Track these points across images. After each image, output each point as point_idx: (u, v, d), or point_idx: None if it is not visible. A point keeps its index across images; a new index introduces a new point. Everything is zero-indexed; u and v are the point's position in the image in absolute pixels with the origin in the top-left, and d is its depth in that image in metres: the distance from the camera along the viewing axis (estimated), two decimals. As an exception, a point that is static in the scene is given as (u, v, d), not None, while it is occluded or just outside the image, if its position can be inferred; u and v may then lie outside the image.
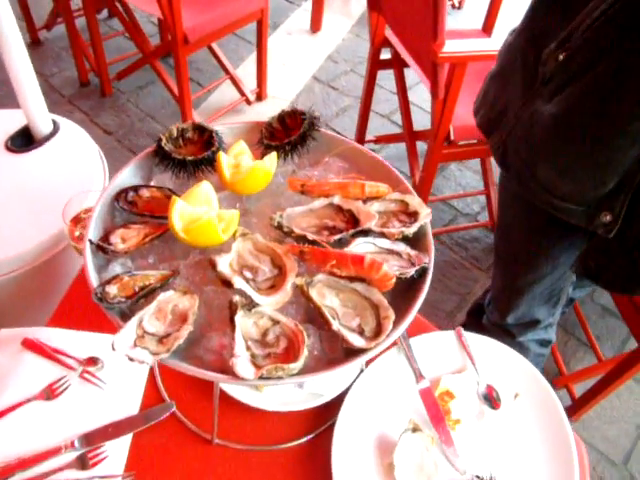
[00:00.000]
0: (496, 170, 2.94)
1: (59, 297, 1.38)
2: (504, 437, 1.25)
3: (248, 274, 0.98)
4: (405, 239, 1.07)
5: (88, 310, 1.36)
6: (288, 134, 1.18)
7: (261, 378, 0.86)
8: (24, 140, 1.83)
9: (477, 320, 2.09)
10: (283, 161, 1.17)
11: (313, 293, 0.96)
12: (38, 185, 1.71)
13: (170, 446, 1.19)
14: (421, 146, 2.83)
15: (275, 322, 0.94)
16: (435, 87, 2.24)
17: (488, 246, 2.87)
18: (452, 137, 2.37)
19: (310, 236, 1.03)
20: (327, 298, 0.97)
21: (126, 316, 0.93)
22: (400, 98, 2.78)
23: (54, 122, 1.89)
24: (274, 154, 1.12)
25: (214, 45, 3.19)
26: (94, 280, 0.96)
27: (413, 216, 1.10)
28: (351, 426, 1.21)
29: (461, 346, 1.37)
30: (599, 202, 1.24)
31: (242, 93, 3.23)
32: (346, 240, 1.05)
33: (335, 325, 0.93)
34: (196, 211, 0.99)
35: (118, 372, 1.26)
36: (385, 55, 2.82)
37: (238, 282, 0.94)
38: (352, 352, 0.93)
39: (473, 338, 1.38)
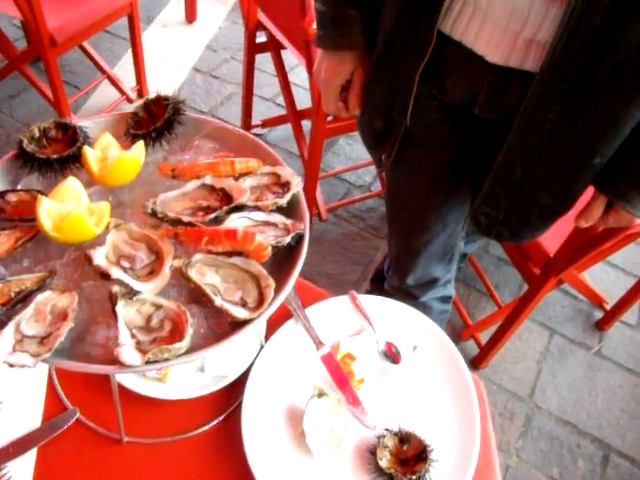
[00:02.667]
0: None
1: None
2: (408, 389, 1.31)
3: (126, 264, 0.98)
4: (280, 210, 1.10)
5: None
6: (155, 122, 1.19)
7: (148, 363, 0.87)
8: None
9: (379, 286, 2.15)
10: (152, 149, 1.17)
11: (192, 273, 0.98)
12: None
13: (79, 453, 1.17)
14: (307, 125, 2.87)
15: (158, 307, 0.96)
16: (310, 64, 2.28)
17: (384, 214, 2.96)
18: (334, 112, 2.41)
19: (185, 218, 1.04)
20: (207, 276, 0.99)
21: (3, 324, 0.92)
22: (281, 80, 2.80)
23: None
24: (141, 143, 1.12)
25: (86, 44, 3.10)
26: (-36, 293, 0.94)
27: (286, 186, 1.13)
28: (258, 402, 1.23)
29: (356, 309, 1.41)
30: None
31: (122, 92, 3.16)
32: (221, 218, 1.06)
33: (218, 301, 0.95)
34: (64, 207, 0.99)
35: (13, 387, 1.22)
36: (261, 39, 2.83)
37: (115, 272, 0.94)
38: (238, 324, 0.95)
39: (367, 300, 1.43)
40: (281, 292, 0.98)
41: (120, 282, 0.94)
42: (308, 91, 3.39)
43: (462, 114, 1.38)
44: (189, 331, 0.91)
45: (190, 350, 0.91)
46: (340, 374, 1.31)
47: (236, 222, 1.05)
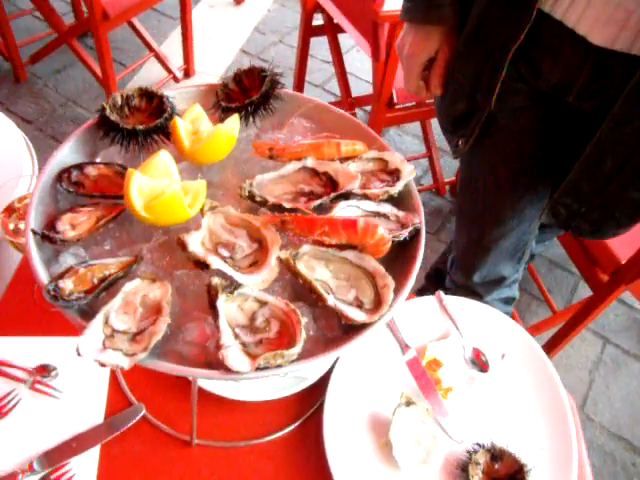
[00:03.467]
0: (436, 131, 2.89)
1: (-4, 300, 1.19)
2: (497, 400, 1.18)
3: (224, 252, 0.84)
4: (389, 199, 0.95)
5: (32, 312, 1.19)
6: (246, 95, 1.04)
7: (258, 369, 0.73)
8: None
9: (436, 283, 2.01)
10: (245, 125, 1.02)
11: (301, 267, 0.83)
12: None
13: (145, 454, 1.06)
14: (359, 114, 2.72)
15: (262, 304, 0.81)
16: (376, 49, 2.13)
17: (434, 209, 2.80)
18: (395, 100, 2.26)
19: (287, 204, 0.90)
20: (317, 271, 0.85)
21: (87, 314, 0.78)
22: (336, 65, 2.65)
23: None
24: (236, 116, 0.97)
25: (135, 21, 2.96)
26: (43, 276, 0.80)
27: (394, 174, 0.99)
28: (340, 407, 1.10)
29: (443, 311, 1.28)
30: None
31: (169, 70, 3.03)
32: (326, 205, 0.92)
33: (330, 300, 0.81)
34: (157, 184, 0.85)
35: (75, 378, 1.11)
36: (317, 22, 2.67)
37: (215, 262, 0.80)
38: (353, 328, 0.81)
39: (453, 301, 1.29)
40: (401, 293, 0.84)
41: (220, 273, 0.80)
42: (359, 79, 3.25)
43: (552, 101, 1.25)
44: (302, 334, 0.76)
45: (302, 356, 0.76)
46: (427, 381, 1.17)
47: (344, 211, 0.91)
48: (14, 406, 1.06)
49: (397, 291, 0.84)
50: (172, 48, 3.25)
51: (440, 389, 1.16)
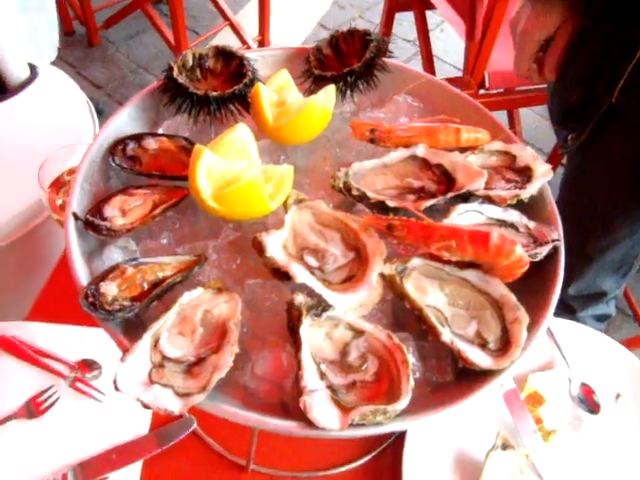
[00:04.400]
0: (525, 123, 2.61)
1: (41, 283, 1.06)
2: (608, 449, 0.97)
3: (312, 260, 0.64)
4: (518, 205, 0.73)
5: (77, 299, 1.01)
6: (344, 63, 0.83)
7: (351, 426, 0.53)
8: (-6, 88, 1.45)
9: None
10: (341, 99, 0.81)
11: (409, 287, 0.62)
12: (12, 142, 1.34)
13: (192, 474, 0.90)
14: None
15: (357, 333, 0.61)
16: (471, 27, 1.88)
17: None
18: (487, 84, 2.01)
19: (391, 202, 0.69)
20: (429, 294, 0.63)
21: (133, 328, 0.59)
22: (421, 43, 2.39)
23: (31, 67, 1.50)
24: (332, 87, 0.76)
25: (211, -12, 2.78)
26: (82, 275, 0.62)
27: (523, 174, 0.76)
28: (423, 442, 0.92)
29: (549, 335, 1.05)
30: None
31: (243, 41, 2.82)
32: (441, 207, 0.71)
33: (446, 335, 0.60)
34: (232, 167, 0.65)
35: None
36: (401, -4, 2.43)
37: (300, 273, 0.60)
38: (473, 374, 0.59)
39: (560, 325, 1.08)
40: (536, 331, 0.62)
41: (305, 288, 0.60)
42: (442, 61, 2.99)
43: None
44: (410, 382, 0.56)
45: (406, 410, 0.56)
46: (526, 418, 0.96)
47: (464, 217, 0.69)
48: (52, 405, 0.92)
49: (531, 328, 0.62)
50: (247, 18, 3.06)
51: (541, 430, 0.96)
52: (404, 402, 0.54)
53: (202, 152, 0.63)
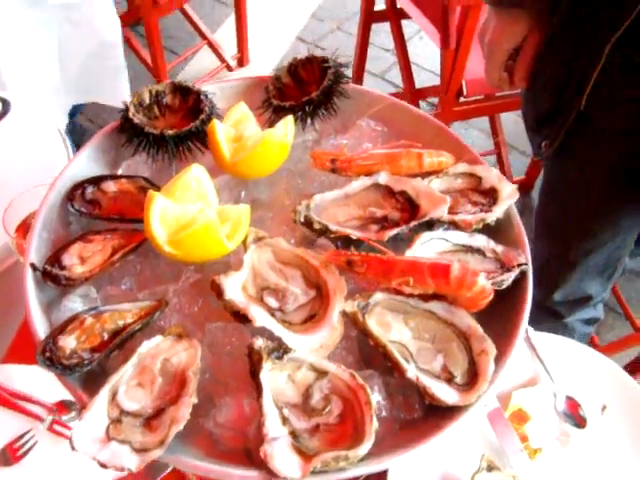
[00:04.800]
0: (507, 128, 2.60)
1: (16, 325, 1.03)
2: (596, 464, 0.94)
3: (272, 301, 0.62)
4: (484, 229, 0.71)
5: (54, 339, 1.00)
6: (304, 91, 0.82)
7: (313, 473, 0.51)
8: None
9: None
10: (301, 129, 0.80)
11: (372, 323, 0.61)
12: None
13: None
14: (422, 106, 2.46)
15: (320, 374, 0.59)
16: (445, 36, 1.87)
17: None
18: (465, 92, 2.00)
19: (354, 234, 0.67)
20: (393, 329, 0.62)
21: (93, 380, 0.58)
22: (399, 53, 2.38)
23: (3, 101, 1.48)
24: (290, 118, 0.75)
25: (188, 8, 2.76)
26: (40, 328, 0.60)
27: (489, 195, 0.75)
28: (405, 470, 0.88)
29: (530, 349, 1.03)
30: None
31: (222, 59, 2.81)
32: (405, 236, 0.69)
33: (411, 372, 0.58)
34: (186, 211, 0.63)
35: None
36: (378, 7, 2.42)
37: (259, 316, 0.59)
38: (442, 410, 0.58)
39: (541, 338, 1.06)
40: (503, 362, 0.61)
41: (265, 331, 0.59)
42: (422, 68, 2.98)
43: None
44: (373, 423, 0.54)
45: (370, 454, 0.54)
46: (511, 437, 0.94)
47: (428, 245, 0.68)
48: (29, 450, 0.88)
49: (498, 360, 0.61)
50: (225, 36, 3.04)
51: (527, 448, 0.94)
52: (366, 446, 0.53)
53: (154, 198, 0.62)
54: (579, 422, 0.98)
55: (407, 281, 0.59)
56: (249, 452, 0.56)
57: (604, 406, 1.00)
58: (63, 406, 0.94)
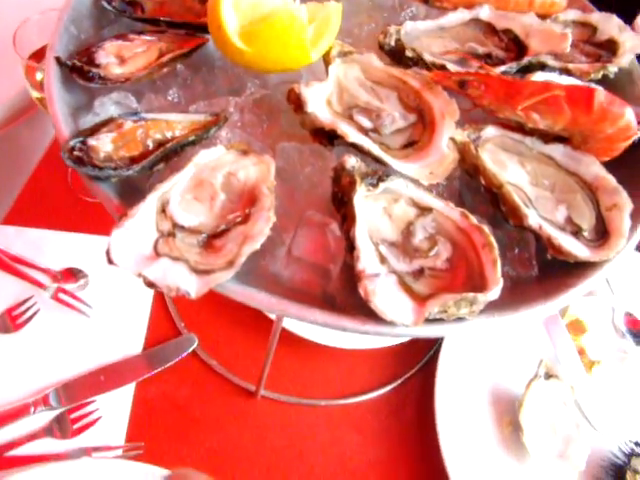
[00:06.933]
0: None
1: (21, 183, 0.89)
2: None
3: (364, 120, 0.47)
4: (602, 81, 0.57)
5: (64, 201, 0.87)
6: None
7: (428, 320, 0.37)
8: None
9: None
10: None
11: (485, 158, 0.46)
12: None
13: (192, 400, 0.74)
14: None
15: (423, 211, 0.45)
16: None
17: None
18: None
19: (452, 66, 0.52)
20: (509, 169, 0.47)
21: (133, 197, 0.42)
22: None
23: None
24: None
25: None
26: (65, 130, 0.44)
27: (605, 47, 0.60)
28: (454, 373, 0.78)
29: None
30: None
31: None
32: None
33: (532, 218, 0.44)
34: (264, 0, 0.47)
35: (110, 291, 0.80)
36: None
37: (350, 132, 0.44)
38: (562, 268, 0.44)
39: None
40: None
41: (360, 151, 0.44)
42: None
43: None
44: (497, 267, 0.40)
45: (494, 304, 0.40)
46: (568, 346, 0.84)
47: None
48: (30, 318, 0.76)
49: (635, 217, 0.47)
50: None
51: (584, 360, 0.84)
52: (496, 291, 0.39)
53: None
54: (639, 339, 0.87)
55: (537, 106, 0.44)
56: (331, 299, 0.42)
57: (666, 323, 0.89)
58: (69, 274, 0.81)
